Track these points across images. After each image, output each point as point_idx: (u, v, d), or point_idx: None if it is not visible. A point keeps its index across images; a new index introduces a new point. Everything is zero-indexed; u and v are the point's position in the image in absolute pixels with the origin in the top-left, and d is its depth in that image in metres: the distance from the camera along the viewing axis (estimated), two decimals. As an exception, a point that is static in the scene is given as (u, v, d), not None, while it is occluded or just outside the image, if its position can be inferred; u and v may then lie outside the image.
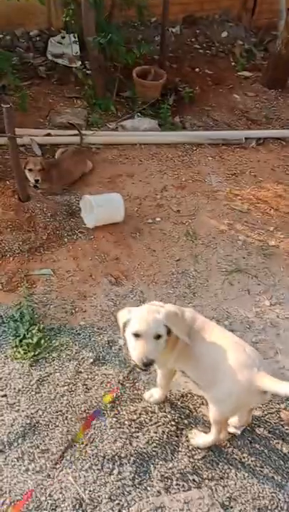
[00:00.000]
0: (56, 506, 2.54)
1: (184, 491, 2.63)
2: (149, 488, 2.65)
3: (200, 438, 2.85)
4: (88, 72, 5.98)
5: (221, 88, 6.65)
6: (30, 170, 4.52)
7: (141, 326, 2.35)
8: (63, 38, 6.49)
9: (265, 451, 2.88)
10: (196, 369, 2.69)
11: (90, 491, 2.62)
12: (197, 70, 6.92)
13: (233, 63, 7.18)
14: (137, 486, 2.66)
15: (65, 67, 6.41)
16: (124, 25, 6.77)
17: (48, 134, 5.35)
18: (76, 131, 5.16)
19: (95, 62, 5.76)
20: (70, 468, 2.71)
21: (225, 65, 7.12)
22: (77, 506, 2.55)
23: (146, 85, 6.02)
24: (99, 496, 2.60)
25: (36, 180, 4.53)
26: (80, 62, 6.26)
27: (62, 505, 2.55)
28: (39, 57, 6.57)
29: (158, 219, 4.55)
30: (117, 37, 5.55)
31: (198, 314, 2.71)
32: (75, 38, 6.16)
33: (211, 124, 5.97)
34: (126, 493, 2.62)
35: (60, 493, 2.60)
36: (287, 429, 3.01)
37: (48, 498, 2.57)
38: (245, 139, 5.68)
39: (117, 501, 2.58)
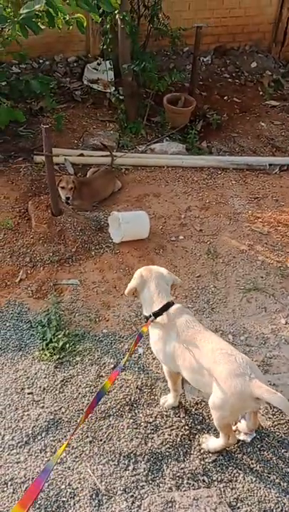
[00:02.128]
0: (75, 495, 2.74)
1: (193, 489, 2.80)
2: (161, 484, 2.83)
3: (210, 442, 3.02)
4: (121, 97, 6.29)
5: (248, 116, 6.90)
6: (62, 188, 4.81)
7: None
8: (99, 64, 6.87)
9: (273, 458, 3.03)
10: (189, 375, 2.91)
11: (106, 482, 2.81)
12: (225, 98, 7.20)
13: (260, 93, 7.43)
14: (150, 481, 2.84)
15: (99, 92, 6.77)
16: (157, 53, 7.13)
17: (81, 155, 5.66)
18: (107, 152, 5.45)
19: (129, 88, 6.10)
20: (88, 461, 2.91)
21: (253, 94, 7.39)
22: (94, 496, 2.75)
23: (176, 111, 6.32)
24: (114, 488, 2.79)
25: (67, 198, 4.83)
26: (113, 88, 6.59)
27: (80, 494, 2.75)
28: (75, 82, 6.97)
29: (181, 237, 4.77)
30: (151, 65, 5.90)
31: (196, 325, 2.91)
32: (110, 64, 6.52)
33: (236, 150, 6.20)
34: (140, 487, 2.80)
35: (79, 483, 2.80)
36: (295, 440, 3.15)
37: (68, 487, 2.77)
38: (269, 165, 5.87)
39: (131, 493, 2.77)
